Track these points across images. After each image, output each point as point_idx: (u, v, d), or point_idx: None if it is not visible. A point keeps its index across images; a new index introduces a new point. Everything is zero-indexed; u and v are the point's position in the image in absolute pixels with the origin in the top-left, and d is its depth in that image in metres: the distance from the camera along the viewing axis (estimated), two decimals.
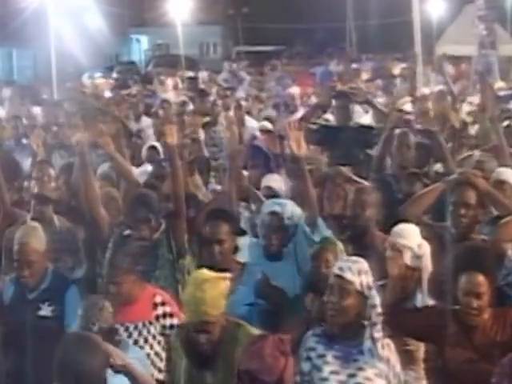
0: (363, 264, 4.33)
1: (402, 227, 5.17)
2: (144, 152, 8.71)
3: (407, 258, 5.00)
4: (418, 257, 5.01)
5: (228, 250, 5.35)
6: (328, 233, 5.88)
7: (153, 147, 8.67)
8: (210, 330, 4.35)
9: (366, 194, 5.98)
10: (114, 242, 5.08)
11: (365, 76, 17.21)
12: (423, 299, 5.01)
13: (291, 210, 5.75)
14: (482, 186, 5.61)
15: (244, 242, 5.76)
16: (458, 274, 4.51)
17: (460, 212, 5.46)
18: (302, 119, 8.35)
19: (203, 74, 19.67)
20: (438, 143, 7.05)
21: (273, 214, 5.72)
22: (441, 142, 7.06)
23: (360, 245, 5.59)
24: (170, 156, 5.92)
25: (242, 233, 5.67)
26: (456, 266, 4.60)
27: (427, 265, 5.03)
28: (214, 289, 4.38)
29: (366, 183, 6.71)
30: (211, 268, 4.55)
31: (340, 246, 5.28)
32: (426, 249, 5.05)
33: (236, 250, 5.52)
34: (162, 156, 8.35)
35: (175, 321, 4.96)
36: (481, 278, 4.44)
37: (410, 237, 5.07)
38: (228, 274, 4.58)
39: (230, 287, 4.73)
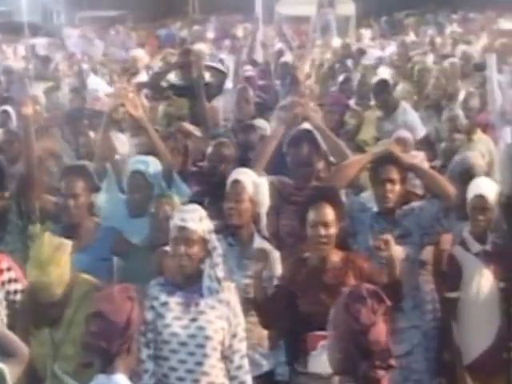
0: (201, 210, 4.48)
1: (239, 169, 5.36)
2: None
3: (249, 188, 5.16)
4: (256, 186, 5.18)
5: (83, 206, 5.42)
6: (183, 186, 6.05)
7: (4, 111, 8.66)
8: (54, 298, 4.56)
9: (224, 148, 6.09)
10: None
11: (210, 37, 17.37)
12: (262, 243, 5.20)
13: (154, 167, 5.86)
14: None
15: (102, 198, 5.89)
16: (306, 211, 4.73)
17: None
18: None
19: (46, 40, 19.29)
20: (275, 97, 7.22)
21: (136, 172, 5.83)
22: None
23: (217, 197, 5.65)
24: (23, 124, 5.78)
25: (98, 189, 5.75)
26: (304, 204, 4.80)
27: (265, 198, 5.22)
28: (58, 268, 4.53)
29: (218, 139, 6.84)
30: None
31: (176, 200, 5.42)
32: (264, 181, 5.26)
33: (92, 206, 5.61)
34: (13, 120, 8.41)
35: (19, 286, 4.95)
36: (328, 209, 4.69)
37: (248, 172, 5.28)
38: (69, 242, 4.68)
39: (84, 243, 4.97)
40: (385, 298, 3.11)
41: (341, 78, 9.80)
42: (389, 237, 4.71)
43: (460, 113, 7.34)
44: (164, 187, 5.86)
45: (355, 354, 3.02)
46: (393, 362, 3.05)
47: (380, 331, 3.02)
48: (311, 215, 4.71)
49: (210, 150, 6.16)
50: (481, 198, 5.26)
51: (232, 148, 6.15)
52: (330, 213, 4.69)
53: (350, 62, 11.19)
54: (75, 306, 4.57)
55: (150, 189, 5.80)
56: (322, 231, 4.67)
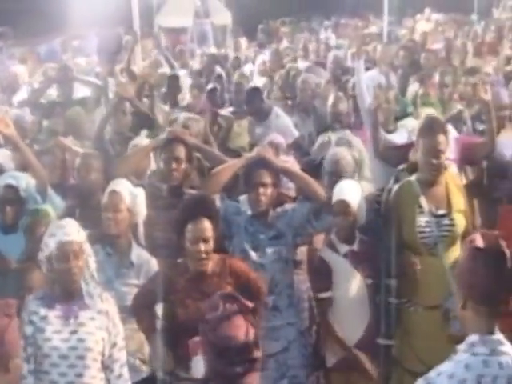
0: (75, 222, 4.54)
1: (116, 180, 5.45)
2: None
3: (126, 198, 5.26)
4: (133, 196, 5.29)
5: None
6: (58, 200, 6.03)
7: None
8: None
9: (92, 159, 6.17)
10: None
11: (89, 52, 17.24)
12: (140, 252, 5.31)
13: (26, 181, 5.83)
14: (190, 141, 5.87)
15: None
16: (184, 225, 4.72)
17: (172, 167, 5.65)
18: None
19: None
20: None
21: (8, 186, 5.78)
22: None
23: (88, 207, 5.76)
24: None
25: None
26: (182, 218, 4.78)
27: (142, 209, 5.34)
28: None
29: (86, 151, 6.87)
30: None
31: (52, 214, 5.44)
32: (140, 191, 5.37)
33: None
34: None
35: None
36: (207, 223, 4.69)
37: (125, 183, 5.40)
38: None
39: None
40: (240, 299, 3.23)
41: (208, 87, 10.03)
42: None
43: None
44: (39, 201, 5.84)
45: (210, 353, 3.11)
46: (256, 354, 3.13)
47: (232, 327, 3.13)
48: (190, 231, 4.70)
49: (77, 161, 6.25)
50: (343, 202, 5.33)
51: (100, 159, 6.23)
52: (208, 227, 4.69)
53: (220, 71, 11.29)
54: None
55: (22, 203, 5.77)
56: (202, 247, 4.68)
